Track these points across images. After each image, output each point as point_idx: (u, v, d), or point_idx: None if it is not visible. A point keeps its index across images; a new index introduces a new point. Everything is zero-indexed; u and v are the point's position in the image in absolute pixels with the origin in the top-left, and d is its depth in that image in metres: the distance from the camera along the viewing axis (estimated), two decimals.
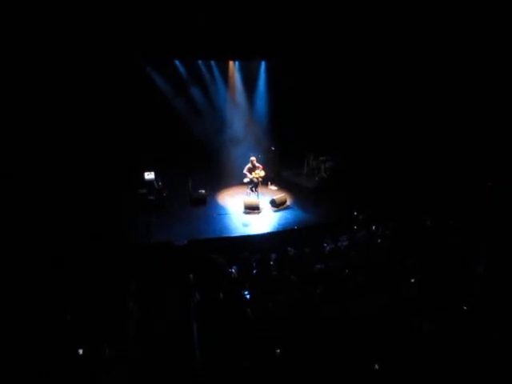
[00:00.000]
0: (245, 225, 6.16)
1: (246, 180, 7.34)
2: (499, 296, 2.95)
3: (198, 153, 8.39)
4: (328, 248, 4.64)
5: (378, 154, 7.59)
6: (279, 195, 7.14)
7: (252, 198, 7.24)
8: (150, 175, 7.23)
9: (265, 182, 7.82)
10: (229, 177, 8.33)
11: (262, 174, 7.37)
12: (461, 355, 2.37)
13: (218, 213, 6.68)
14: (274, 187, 8.50)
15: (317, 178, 8.43)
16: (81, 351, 2.28)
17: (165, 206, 6.81)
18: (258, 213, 6.68)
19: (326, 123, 8.46)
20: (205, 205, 6.97)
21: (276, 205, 6.91)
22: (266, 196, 7.50)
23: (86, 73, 6.51)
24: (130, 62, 7.01)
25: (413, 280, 3.59)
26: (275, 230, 5.90)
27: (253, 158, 7.27)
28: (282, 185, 8.52)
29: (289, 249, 4.47)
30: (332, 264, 4.06)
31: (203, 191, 7.23)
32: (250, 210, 6.75)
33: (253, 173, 7.22)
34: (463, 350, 2.40)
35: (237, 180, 8.13)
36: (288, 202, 7.17)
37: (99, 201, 6.35)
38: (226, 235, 5.68)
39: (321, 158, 8.52)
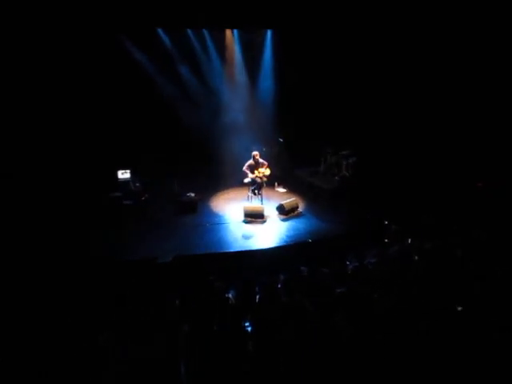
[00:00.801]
0: (245, 237, 6.17)
1: (246, 180, 7.37)
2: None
3: (186, 146, 8.44)
4: (351, 266, 4.73)
5: (413, 148, 7.66)
6: (289, 199, 7.22)
7: (254, 203, 7.37)
8: (124, 174, 7.25)
9: (270, 182, 7.92)
10: (225, 176, 8.40)
11: (267, 172, 7.43)
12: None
13: (212, 222, 6.71)
14: (281, 189, 8.58)
15: (336, 178, 8.51)
16: None
17: (144, 213, 6.88)
18: (262, 222, 6.76)
19: (348, 109, 8.52)
20: (195, 212, 7.08)
21: (285, 211, 6.98)
22: (271, 200, 7.63)
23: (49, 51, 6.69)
24: (101, 35, 7.08)
25: (460, 309, 3.56)
26: (284, 243, 5.91)
27: (255, 153, 7.34)
28: (293, 186, 8.58)
29: (302, 268, 4.55)
30: (356, 287, 4.11)
31: (193, 194, 7.29)
32: (252, 218, 6.79)
33: (255, 171, 7.30)
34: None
35: (235, 180, 8.21)
36: (300, 208, 7.27)
37: (59, 207, 6.43)
38: (222, 251, 5.68)
39: (342, 153, 8.58)
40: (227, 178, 8.43)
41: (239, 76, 8.93)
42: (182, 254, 5.41)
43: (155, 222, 6.55)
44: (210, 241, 5.94)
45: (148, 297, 3.90)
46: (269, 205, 7.41)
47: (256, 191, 7.36)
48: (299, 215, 7.05)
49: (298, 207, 7.22)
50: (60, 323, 3.14)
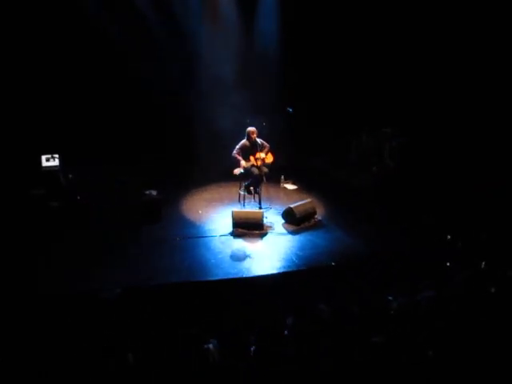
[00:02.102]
0: (235, 258, 6.17)
1: (237, 171, 7.35)
2: None
3: (146, 119, 8.47)
4: (396, 304, 4.70)
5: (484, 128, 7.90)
6: (301, 202, 7.27)
7: (249, 206, 7.47)
8: (51, 161, 7.26)
9: (274, 175, 8.01)
10: (205, 165, 8.45)
11: (269, 159, 7.53)
12: None
13: (184, 235, 6.70)
14: (290, 186, 8.63)
15: (374, 169, 8.60)
16: None
17: (82, 221, 6.84)
18: (261, 235, 6.76)
19: (390, 68, 8.62)
20: (158, 219, 7.08)
21: (295, 220, 7.00)
22: (275, 203, 7.72)
23: None
24: None
25: None
26: (293, 268, 5.89)
27: (251, 130, 7.39)
28: (307, 182, 8.64)
29: (320, 306, 4.52)
30: (404, 335, 4.08)
31: (155, 193, 7.27)
32: (246, 229, 6.77)
33: (251, 157, 7.35)
34: None
35: (220, 172, 8.26)
36: (318, 216, 7.31)
37: None
38: (198, 279, 5.65)
39: (384, 131, 8.69)
40: (207, 168, 8.45)
41: (226, 15, 8.90)
42: (137, 285, 5.38)
43: (97, 236, 6.53)
44: (181, 264, 5.90)
45: (86, 350, 3.89)
46: (271, 210, 7.45)
47: (252, 188, 7.42)
48: (316, 226, 7.09)
49: (314, 214, 7.26)
50: None
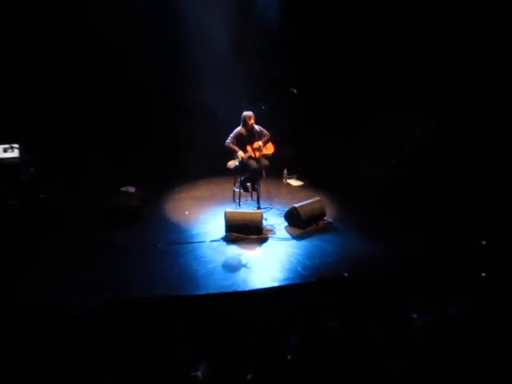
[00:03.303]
0: (228, 268, 6.19)
1: (232, 164, 7.34)
2: None
3: (124, 101, 8.59)
4: (421, 322, 4.78)
5: None
6: (307, 201, 7.31)
7: (245, 206, 7.57)
8: (9, 152, 7.30)
9: (275, 168, 8.04)
10: (192, 157, 8.53)
11: (270, 150, 7.61)
12: None
13: (167, 240, 6.72)
14: (295, 182, 8.78)
15: (395, 161, 8.67)
16: None
17: (47, 223, 6.89)
18: (260, 241, 6.79)
19: (410, 38, 8.68)
20: (137, 221, 7.17)
21: (301, 222, 7.03)
22: (276, 202, 7.86)
23: None
24: None
25: None
26: (298, 280, 5.90)
27: (248, 114, 7.45)
28: (315, 177, 8.79)
29: (330, 324, 4.62)
30: (430, 359, 4.13)
31: (133, 189, 7.40)
32: (242, 233, 6.81)
33: (248, 148, 7.40)
34: None
35: (210, 165, 8.40)
36: (327, 217, 7.39)
37: None
38: (185, 293, 5.64)
39: (405, 116, 8.82)
40: (197, 161, 8.49)
41: None
42: (112, 300, 5.32)
43: (63, 241, 6.58)
44: (164, 275, 5.92)
45: (53, 375, 3.93)
46: (272, 210, 7.54)
47: (249, 184, 7.50)
48: (326, 229, 7.15)
49: (323, 215, 7.33)
50: None
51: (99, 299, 5.28)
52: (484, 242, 6.12)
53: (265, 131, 7.51)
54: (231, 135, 7.39)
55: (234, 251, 6.54)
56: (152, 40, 8.82)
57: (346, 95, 9.02)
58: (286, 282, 5.85)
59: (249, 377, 4.06)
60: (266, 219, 7.10)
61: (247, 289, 5.71)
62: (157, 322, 4.98)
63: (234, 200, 7.71)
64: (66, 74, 8.37)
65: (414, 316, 4.83)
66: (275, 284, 5.81)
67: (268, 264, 6.24)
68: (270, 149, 7.55)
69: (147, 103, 8.92)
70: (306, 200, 7.34)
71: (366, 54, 8.96)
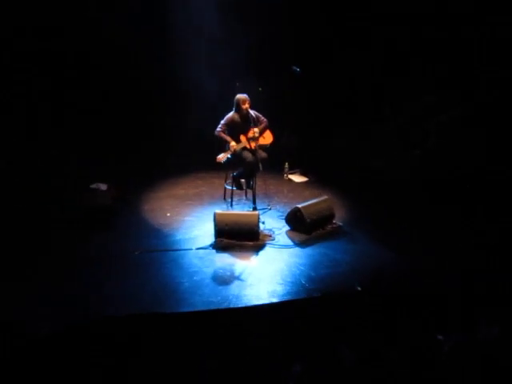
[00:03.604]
0: (218, 281, 6.15)
1: (222, 157, 7.33)
2: None
3: (91, 78, 8.84)
4: (448, 346, 4.83)
5: None
6: (312, 200, 7.36)
7: (239, 206, 7.64)
8: None
9: (274, 161, 8.09)
10: (179, 149, 8.78)
11: (268, 139, 7.65)
12: None
13: (145, 247, 6.72)
14: (298, 177, 8.88)
15: (417, 152, 8.73)
16: None
17: (3, 229, 6.85)
18: (256, 249, 6.78)
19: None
20: (109, 225, 7.16)
21: (305, 225, 7.03)
22: (276, 202, 7.97)
23: None
24: None
25: None
26: (301, 295, 5.88)
27: (243, 97, 7.48)
28: (321, 171, 8.90)
29: (342, 349, 4.66)
30: None
31: (104, 186, 7.39)
32: (234, 239, 6.79)
33: (242, 137, 7.43)
34: None
35: (198, 158, 8.53)
36: (337, 220, 7.43)
37: None
38: (165, 310, 5.60)
39: (428, 99, 8.83)
40: (179, 152, 8.75)
41: None
42: (78, 319, 5.34)
43: (24, 248, 6.55)
44: (141, 289, 5.87)
45: None
46: (271, 212, 7.61)
47: (243, 181, 7.61)
48: (335, 234, 7.14)
49: (332, 217, 7.33)
50: None
51: (60, 319, 5.30)
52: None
53: (262, 117, 7.52)
54: (222, 122, 7.40)
55: (225, 260, 6.52)
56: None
57: (359, 74, 9.18)
58: (287, 298, 5.82)
59: None
60: (263, 222, 7.11)
61: (241, 305, 5.67)
62: (130, 346, 4.96)
63: (225, 199, 7.77)
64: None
65: (440, 337, 4.84)
66: (274, 300, 5.77)
67: (266, 276, 6.21)
68: (268, 138, 7.57)
69: (120, 82, 9.13)
70: (311, 199, 7.34)
71: (382, 24, 9.06)
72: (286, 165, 8.80)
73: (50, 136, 8.77)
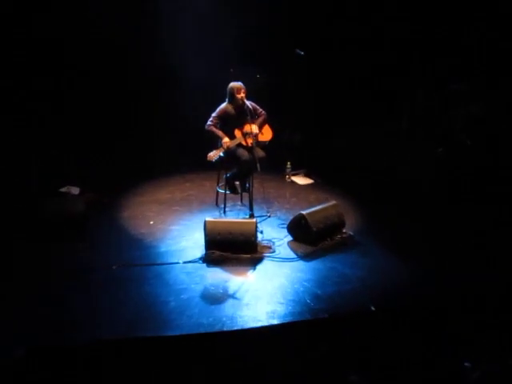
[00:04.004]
0: (209, 300, 6.19)
1: (214, 156, 7.37)
2: None
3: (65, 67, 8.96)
4: (477, 374, 4.87)
5: None
6: (319, 206, 7.45)
7: (232, 214, 7.69)
8: None
9: (275, 161, 8.20)
10: (165, 147, 8.85)
11: (267, 136, 7.71)
12: None
13: (124, 262, 6.74)
14: (301, 179, 8.95)
15: (440, 150, 8.79)
16: None
17: None
18: (252, 260, 6.84)
19: None
20: (82, 235, 7.21)
21: (310, 235, 7.08)
22: (277, 208, 7.95)
23: None
24: None
25: None
26: (306, 316, 5.86)
27: (237, 86, 7.56)
28: (329, 172, 8.95)
29: (352, 378, 4.75)
30: None
31: (77, 191, 7.46)
32: (227, 251, 6.81)
33: (237, 132, 7.56)
34: None
35: (186, 156, 8.62)
36: (347, 229, 7.50)
37: None
38: (148, 334, 5.59)
39: (454, 87, 8.91)
40: (164, 150, 8.79)
41: None
42: (50, 343, 5.37)
43: None
44: (120, 309, 5.87)
45: None
46: (270, 219, 7.65)
47: (238, 183, 7.62)
48: (345, 245, 7.19)
49: (341, 225, 7.40)
50: None
51: (31, 343, 5.27)
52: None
53: (260, 109, 7.59)
54: (213, 114, 7.44)
55: (217, 276, 6.52)
56: None
57: (373, 57, 9.25)
58: (289, 319, 5.80)
59: None
60: (261, 232, 7.15)
61: (235, 328, 5.66)
62: (108, 374, 5.02)
63: (217, 205, 7.81)
64: None
65: (467, 365, 4.91)
66: (274, 322, 5.76)
67: (264, 294, 6.21)
68: (267, 134, 7.62)
69: (98, 69, 9.19)
70: (317, 205, 7.40)
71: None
72: (288, 165, 8.82)
73: (13, 132, 8.72)
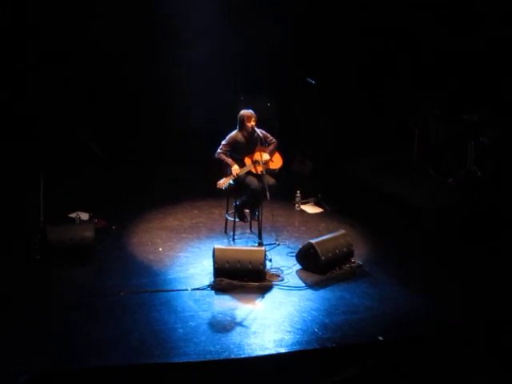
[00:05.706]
0: (217, 327, 6.15)
1: (224, 183, 7.38)
2: None
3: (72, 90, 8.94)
4: None
5: None
6: (328, 235, 7.45)
7: (242, 242, 7.65)
8: None
9: (285, 189, 8.17)
10: (174, 174, 8.82)
11: (277, 163, 7.70)
12: None
13: (131, 288, 6.75)
14: (311, 207, 8.90)
15: (451, 180, 8.73)
16: None
17: None
18: (261, 289, 6.84)
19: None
20: (91, 260, 7.21)
21: (319, 264, 7.07)
22: (286, 236, 7.90)
23: None
24: None
25: None
26: (314, 345, 5.84)
27: (248, 114, 7.58)
28: (339, 201, 8.88)
29: None
30: None
31: (85, 216, 7.47)
32: (235, 279, 6.84)
33: (247, 160, 7.54)
34: None
35: (196, 183, 8.60)
36: (356, 258, 7.46)
37: None
38: (155, 360, 5.56)
39: (467, 118, 8.81)
40: (173, 177, 8.77)
41: None
42: (55, 370, 5.36)
43: None
44: (128, 336, 5.87)
45: None
46: (279, 247, 7.61)
47: (247, 211, 7.60)
48: (354, 275, 7.17)
49: (350, 255, 7.39)
50: None
51: (35, 369, 5.24)
52: None
53: (270, 137, 7.58)
54: (223, 142, 7.44)
55: (225, 304, 6.53)
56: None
57: (384, 85, 9.27)
58: (296, 348, 5.79)
59: None
60: (270, 260, 7.15)
61: (242, 356, 5.65)
62: None
63: (225, 233, 7.79)
64: None
65: None
66: (281, 350, 5.75)
67: (272, 322, 6.21)
68: (277, 162, 7.62)
69: (105, 92, 9.23)
70: (326, 234, 7.41)
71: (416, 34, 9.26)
72: (298, 193, 8.73)
73: (22, 156, 8.80)
